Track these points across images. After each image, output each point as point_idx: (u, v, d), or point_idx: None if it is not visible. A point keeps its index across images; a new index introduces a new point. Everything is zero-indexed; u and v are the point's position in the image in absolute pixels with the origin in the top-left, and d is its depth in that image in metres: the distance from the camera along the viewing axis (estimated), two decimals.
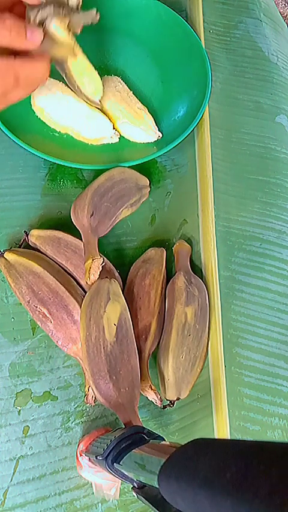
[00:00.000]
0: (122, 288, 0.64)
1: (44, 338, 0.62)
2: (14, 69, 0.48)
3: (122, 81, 0.76)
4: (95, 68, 0.65)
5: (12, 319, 0.62)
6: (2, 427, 0.57)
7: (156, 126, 0.75)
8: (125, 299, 0.60)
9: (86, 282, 0.59)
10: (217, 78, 0.84)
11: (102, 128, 0.72)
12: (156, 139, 0.75)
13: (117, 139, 0.74)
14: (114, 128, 0.73)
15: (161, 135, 0.75)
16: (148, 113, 0.75)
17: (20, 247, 0.64)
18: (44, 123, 0.73)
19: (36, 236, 0.63)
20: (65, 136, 0.73)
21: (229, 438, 0.63)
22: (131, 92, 0.76)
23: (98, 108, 0.72)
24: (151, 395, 0.60)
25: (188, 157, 0.79)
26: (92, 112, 0.71)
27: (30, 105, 0.73)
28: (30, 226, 0.66)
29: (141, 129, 0.74)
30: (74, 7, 0.54)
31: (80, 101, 0.71)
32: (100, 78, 0.68)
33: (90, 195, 0.64)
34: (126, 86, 0.76)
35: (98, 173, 0.68)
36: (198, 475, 0.29)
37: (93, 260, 0.59)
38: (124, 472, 0.44)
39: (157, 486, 0.35)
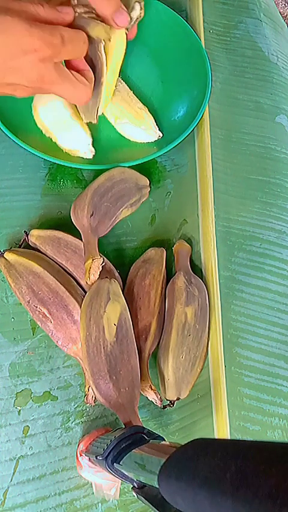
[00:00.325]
0: (122, 288, 0.64)
1: (44, 338, 0.62)
2: (59, 30, 0.51)
3: (122, 81, 0.76)
4: None
5: (12, 319, 0.62)
6: (2, 427, 0.57)
7: (156, 126, 0.75)
8: (125, 299, 0.60)
9: (86, 282, 0.59)
10: (217, 78, 0.84)
11: (78, 141, 0.71)
12: (156, 139, 0.75)
13: (91, 156, 0.72)
14: (90, 144, 0.72)
15: (161, 135, 0.75)
16: (148, 113, 0.75)
17: (20, 247, 0.64)
18: None
19: (36, 236, 0.63)
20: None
21: (229, 438, 0.63)
22: (131, 91, 0.76)
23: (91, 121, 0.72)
24: (151, 395, 0.60)
25: (188, 157, 0.79)
26: (72, 122, 0.70)
27: (30, 105, 0.73)
28: (30, 226, 0.66)
29: (142, 129, 0.74)
30: (134, 18, 0.61)
31: (65, 107, 0.70)
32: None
33: (90, 195, 0.64)
34: (126, 86, 0.76)
35: (98, 173, 0.68)
36: (198, 475, 0.29)
37: (93, 260, 0.59)
38: (124, 472, 0.44)
39: (157, 486, 0.35)
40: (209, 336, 0.68)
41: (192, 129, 0.72)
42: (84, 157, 0.72)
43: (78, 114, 0.71)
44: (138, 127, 0.73)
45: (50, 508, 0.56)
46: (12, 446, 0.57)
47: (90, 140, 0.72)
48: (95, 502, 0.58)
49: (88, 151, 0.72)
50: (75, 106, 0.70)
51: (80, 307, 0.59)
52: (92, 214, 0.63)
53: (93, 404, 0.59)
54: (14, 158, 0.70)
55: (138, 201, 0.70)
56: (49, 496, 0.57)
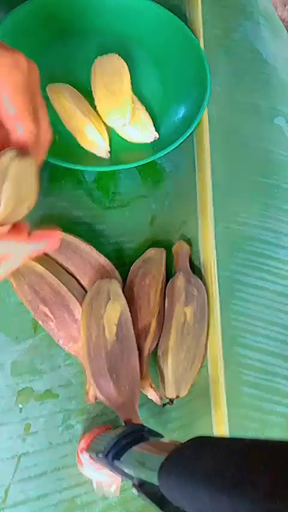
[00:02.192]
0: (122, 287, 0.65)
1: (46, 337, 0.62)
2: None
3: None
4: None
5: (14, 318, 0.62)
6: (4, 424, 0.58)
7: (153, 127, 0.75)
8: (125, 299, 0.61)
9: None
10: (216, 80, 0.84)
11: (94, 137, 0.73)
12: (152, 139, 0.75)
13: (106, 157, 0.74)
14: (106, 149, 0.74)
15: (157, 136, 0.75)
16: (146, 113, 0.76)
17: None
18: None
19: None
20: (65, 137, 0.74)
21: (228, 436, 0.64)
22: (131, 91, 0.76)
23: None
24: (151, 394, 0.60)
25: (188, 159, 0.79)
26: (89, 128, 0.72)
27: None
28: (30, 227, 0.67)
29: (138, 129, 0.74)
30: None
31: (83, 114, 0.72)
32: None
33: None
34: None
35: (98, 174, 0.68)
36: (198, 473, 0.30)
37: None
38: (124, 469, 0.45)
39: (157, 483, 0.35)
40: (208, 335, 0.68)
41: (191, 131, 0.72)
42: (98, 155, 0.74)
43: (97, 118, 0.72)
44: (134, 127, 0.74)
45: (51, 505, 0.57)
46: (13, 444, 0.58)
47: (106, 145, 0.74)
48: (96, 499, 0.58)
49: (103, 154, 0.73)
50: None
51: (81, 306, 0.60)
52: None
53: (93, 402, 0.59)
54: None
55: None
56: (50, 493, 0.57)
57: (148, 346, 0.63)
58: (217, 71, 0.85)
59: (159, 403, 0.61)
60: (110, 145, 0.74)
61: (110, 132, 0.75)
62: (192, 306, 0.65)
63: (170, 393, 0.62)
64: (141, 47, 0.82)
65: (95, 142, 0.72)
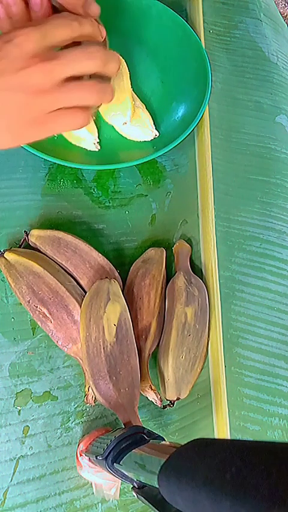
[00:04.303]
0: (122, 288, 0.64)
1: (44, 338, 0.62)
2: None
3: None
4: None
5: (12, 319, 0.62)
6: (2, 427, 0.57)
7: (153, 125, 0.75)
8: (125, 299, 0.60)
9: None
10: (217, 78, 0.84)
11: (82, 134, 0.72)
12: (153, 138, 0.75)
13: (95, 149, 0.73)
14: (95, 141, 0.73)
15: (157, 134, 0.75)
16: (146, 111, 0.75)
17: (20, 247, 0.64)
18: None
19: (36, 236, 0.63)
20: (63, 135, 0.73)
21: (229, 438, 0.63)
22: (131, 89, 0.76)
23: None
24: (151, 396, 0.60)
25: (188, 157, 0.79)
26: None
27: None
28: (30, 226, 0.66)
29: (138, 127, 0.74)
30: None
31: None
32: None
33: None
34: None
35: (98, 173, 0.68)
36: (198, 475, 0.29)
37: None
38: (124, 472, 0.45)
39: (157, 486, 0.35)
40: (209, 336, 0.68)
41: (192, 129, 0.72)
42: (88, 149, 0.72)
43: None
44: (134, 125, 0.73)
45: (50, 508, 0.56)
46: (12, 446, 0.57)
47: (94, 137, 0.72)
48: (95, 502, 0.58)
49: (93, 147, 0.72)
50: None
51: (80, 307, 0.59)
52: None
53: (93, 404, 0.59)
54: (14, 158, 0.69)
55: None
56: (49, 496, 0.57)
57: (148, 347, 0.62)
58: (218, 69, 0.84)
59: (160, 405, 0.60)
60: (109, 144, 0.74)
61: (109, 129, 0.75)
62: (193, 306, 0.65)
63: (171, 395, 0.62)
64: (141, 43, 0.82)
65: (81, 136, 0.71)
